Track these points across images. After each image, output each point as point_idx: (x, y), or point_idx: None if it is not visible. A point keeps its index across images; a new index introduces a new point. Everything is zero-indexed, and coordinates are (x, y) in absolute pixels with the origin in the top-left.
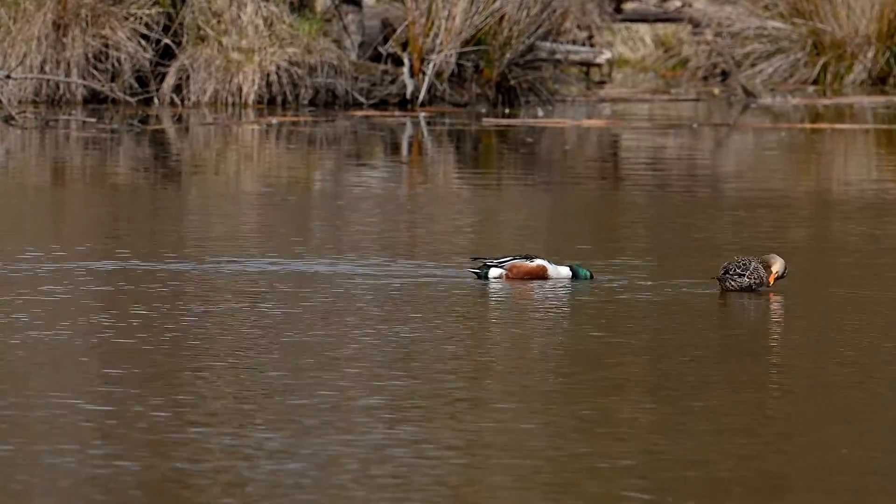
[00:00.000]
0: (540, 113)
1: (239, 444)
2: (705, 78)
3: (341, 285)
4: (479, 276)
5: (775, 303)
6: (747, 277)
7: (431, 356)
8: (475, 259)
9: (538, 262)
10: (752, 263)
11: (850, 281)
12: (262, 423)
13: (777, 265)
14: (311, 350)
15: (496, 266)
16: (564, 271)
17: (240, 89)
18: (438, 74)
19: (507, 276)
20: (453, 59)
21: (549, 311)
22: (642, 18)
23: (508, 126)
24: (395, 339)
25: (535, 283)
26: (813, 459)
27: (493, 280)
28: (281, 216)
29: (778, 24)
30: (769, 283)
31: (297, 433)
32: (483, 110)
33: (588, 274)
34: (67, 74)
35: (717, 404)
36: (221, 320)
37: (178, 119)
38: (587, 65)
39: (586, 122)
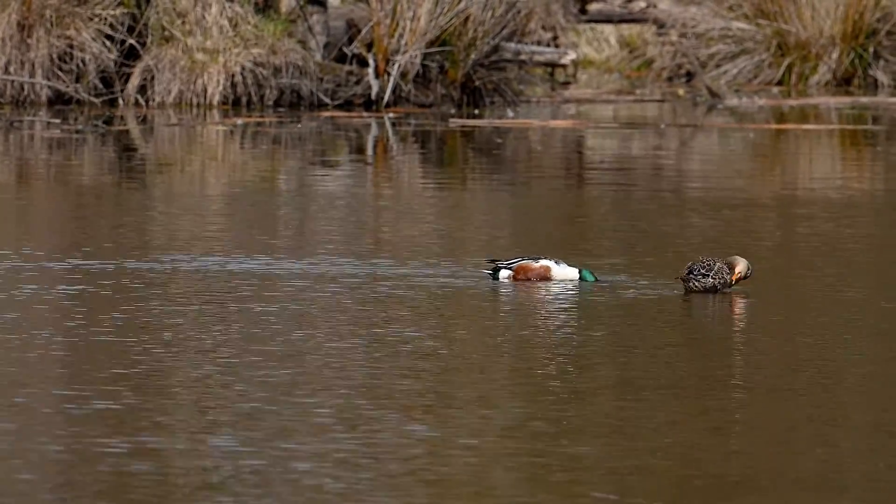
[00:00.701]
0: (510, 114)
1: (195, 449)
2: (670, 79)
3: (306, 284)
4: (492, 276)
5: (740, 303)
6: (711, 278)
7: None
8: (491, 261)
9: (543, 262)
10: (717, 264)
11: (814, 280)
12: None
13: (741, 266)
14: (278, 348)
15: (506, 267)
16: (571, 273)
17: (205, 90)
18: (403, 75)
19: (515, 277)
20: (418, 60)
21: (507, 311)
22: (607, 19)
23: (476, 127)
24: (359, 337)
25: (525, 285)
26: (777, 459)
27: (503, 281)
28: (246, 216)
29: (743, 25)
30: (731, 282)
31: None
32: (452, 111)
33: (592, 277)
34: (32, 75)
35: (682, 405)
36: (182, 318)
37: (143, 120)
38: (552, 65)
39: (553, 123)
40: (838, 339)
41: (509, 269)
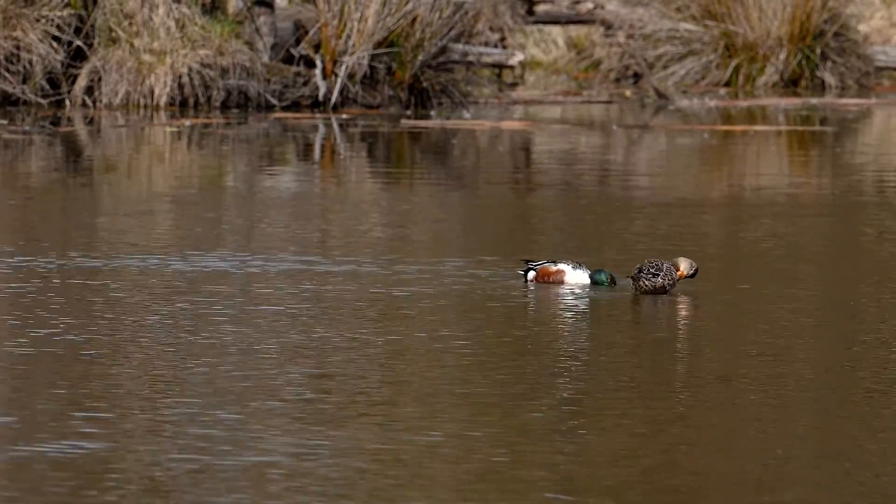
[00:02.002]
0: (467, 115)
1: (149, 460)
2: (617, 80)
3: (252, 284)
4: (524, 277)
5: (687, 303)
6: (661, 278)
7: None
8: (526, 262)
9: (559, 266)
10: (665, 264)
11: (761, 280)
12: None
13: (684, 265)
14: (222, 347)
15: (532, 269)
16: (584, 278)
17: (152, 91)
18: (351, 76)
19: (536, 279)
20: (366, 61)
21: (456, 312)
22: (554, 20)
23: (427, 128)
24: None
25: (543, 285)
26: (723, 461)
27: (529, 282)
28: (192, 216)
29: (690, 26)
30: (676, 282)
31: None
32: (408, 112)
33: (605, 281)
34: None
35: (630, 405)
36: (126, 318)
37: (90, 121)
38: (499, 67)
39: (505, 124)
40: (786, 340)
41: (534, 270)
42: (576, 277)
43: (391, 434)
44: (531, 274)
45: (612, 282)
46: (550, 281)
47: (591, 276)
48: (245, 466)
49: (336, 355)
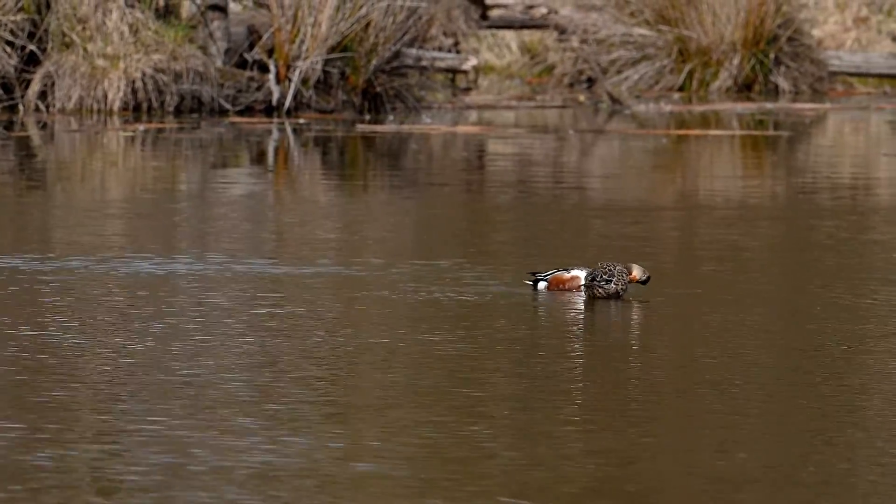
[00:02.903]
0: (427, 119)
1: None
2: (571, 85)
3: (204, 285)
4: (533, 287)
5: (641, 308)
6: (614, 283)
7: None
8: (532, 274)
9: (573, 273)
10: (617, 267)
11: (713, 285)
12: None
13: (636, 270)
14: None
15: (542, 279)
16: None
17: (105, 96)
18: (304, 81)
19: (549, 288)
20: (319, 66)
21: (406, 315)
22: (508, 25)
23: (383, 133)
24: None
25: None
26: (681, 466)
27: (541, 291)
28: (146, 220)
29: (644, 31)
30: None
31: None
32: (367, 117)
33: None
34: None
35: (587, 412)
36: (73, 318)
37: (44, 126)
38: (453, 71)
39: (461, 129)
40: (740, 344)
41: (545, 280)
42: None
43: (349, 438)
44: (542, 284)
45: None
46: (565, 289)
47: None
48: (204, 472)
49: (292, 358)
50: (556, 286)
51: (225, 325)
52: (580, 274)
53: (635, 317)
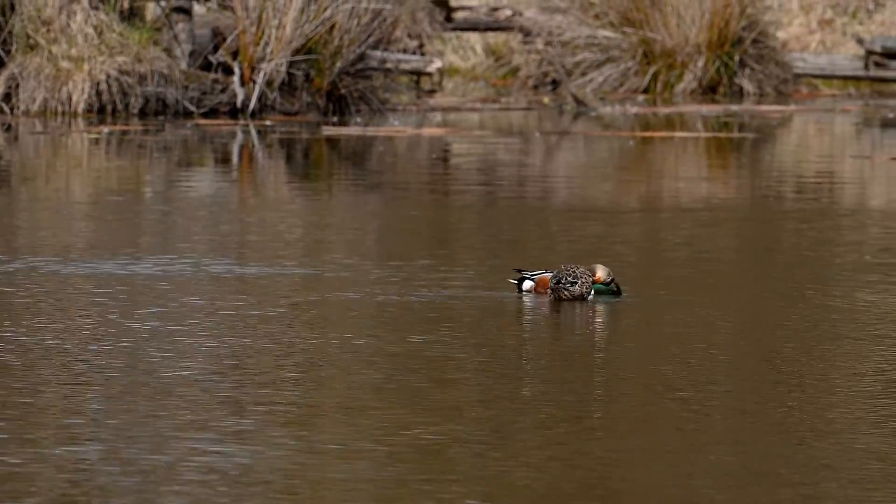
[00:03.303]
0: (395, 122)
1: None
2: (536, 87)
3: (169, 286)
4: (518, 286)
5: (605, 311)
6: (579, 286)
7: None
8: (519, 271)
9: None
10: (580, 270)
11: (678, 287)
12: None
13: (601, 272)
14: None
15: (529, 279)
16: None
17: (69, 98)
18: (269, 83)
19: (536, 289)
20: (284, 68)
21: (372, 316)
22: (473, 27)
23: (349, 135)
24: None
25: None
26: (644, 471)
27: (525, 292)
28: (111, 221)
29: (608, 33)
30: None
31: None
32: (335, 119)
33: (606, 288)
34: None
35: (550, 416)
36: (41, 320)
37: (8, 128)
38: (418, 73)
39: (427, 131)
40: (705, 348)
41: (532, 280)
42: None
43: (309, 443)
44: (528, 284)
45: (617, 288)
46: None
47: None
48: (175, 473)
49: (256, 359)
50: (543, 288)
51: (191, 325)
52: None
53: (600, 319)
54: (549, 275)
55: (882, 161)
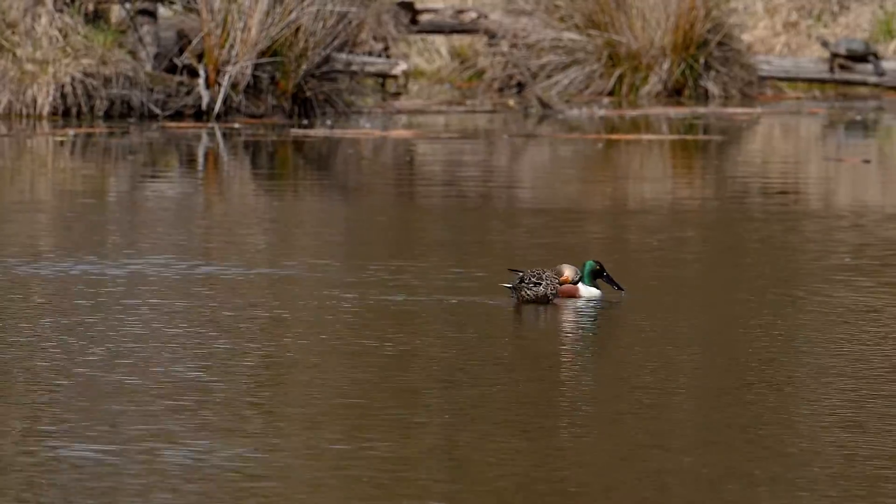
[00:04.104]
0: (367, 124)
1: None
2: (501, 89)
3: (134, 287)
4: (512, 290)
5: (570, 312)
6: (543, 287)
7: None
8: (513, 271)
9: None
10: (546, 273)
11: (644, 289)
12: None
13: (568, 271)
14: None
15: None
16: (595, 292)
17: (34, 101)
18: (234, 86)
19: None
20: (249, 71)
21: (341, 319)
22: (438, 30)
23: (316, 137)
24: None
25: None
26: (607, 471)
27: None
28: (77, 223)
29: (573, 35)
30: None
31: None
32: (305, 122)
33: (590, 282)
34: None
35: (515, 417)
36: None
37: None
38: (383, 76)
39: (394, 133)
40: (672, 351)
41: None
42: (590, 291)
43: (275, 442)
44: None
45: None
46: (563, 297)
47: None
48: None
49: (216, 360)
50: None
51: (157, 326)
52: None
53: (566, 321)
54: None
55: (854, 163)
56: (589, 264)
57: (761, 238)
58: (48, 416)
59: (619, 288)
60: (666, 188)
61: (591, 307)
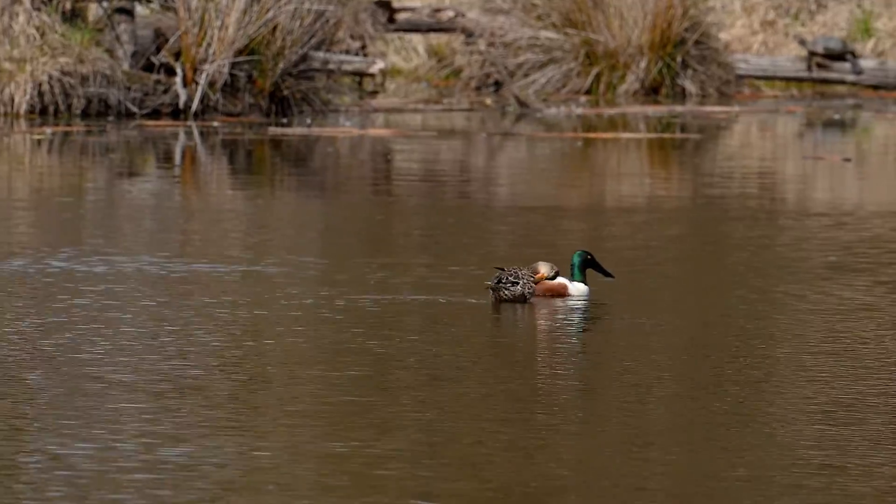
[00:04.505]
0: (347, 123)
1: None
2: (478, 88)
3: (107, 284)
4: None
5: (547, 311)
6: (521, 287)
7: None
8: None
9: (560, 280)
10: (523, 271)
11: (619, 288)
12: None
13: (544, 268)
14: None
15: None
16: (583, 288)
17: (12, 99)
18: (211, 84)
19: (534, 293)
20: (226, 69)
21: (317, 317)
22: (415, 28)
23: (296, 136)
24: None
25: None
26: (580, 471)
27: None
28: (53, 221)
29: (551, 34)
30: (536, 283)
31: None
32: (285, 121)
33: (580, 276)
34: None
35: (489, 416)
36: None
37: None
38: (360, 75)
39: (373, 132)
40: (647, 350)
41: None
42: (577, 288)
43: (252, 442)
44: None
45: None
46: (550, 294)
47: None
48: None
49: (188, 358)
50: (540, 292)
51: (131, 323)
52: (565, 281)
53: (543, 320)
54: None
55: (835, 162)
56: (578, 255)
57: (742, 237)
58: (25, 412)
59: (609, 275)
60: (650, 187)
61: (568, 305)
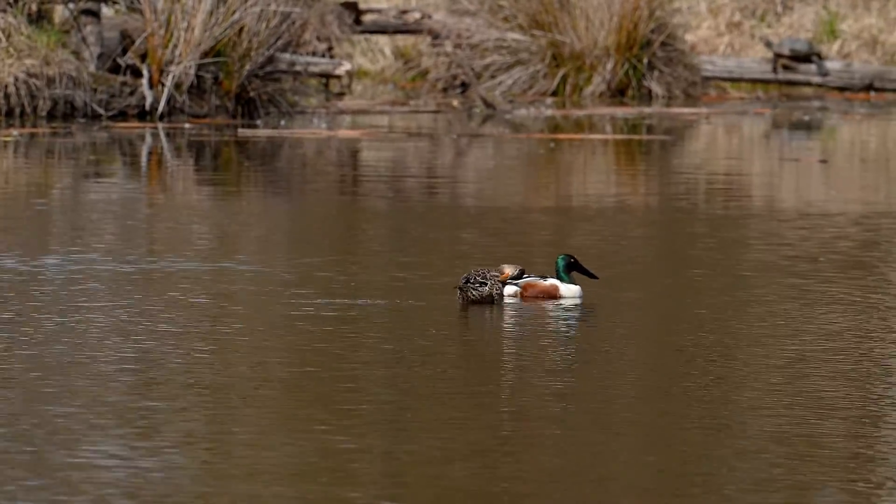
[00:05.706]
0: (322, 125)
1: None
2: (445, 90)
3: (77, 284)
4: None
5: (515, 311)
6: (489, 288)
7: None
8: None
9: (551, 281)
10: (490, 272)
11: (588, 287)
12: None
13: (508, 269)
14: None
15: (512, 283)
16: (576, 289)
17: None
18: (178, 86)
19: (523, 295)
20: (192, 71)
21: (278, 322)
22: (382, 30)
23: (264, 137)
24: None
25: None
26: (548, 470)
27: (508, 297)
28: (23, 221)
29: (517, 35)
30: (503, 281)
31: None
32: (257, 122)
33: (567, 277)
34: None
35: (457, 415)
36: None
37: None
38: (327, 76)
39: (342, 133)
40: (616, 350)
41: (516, 285)
42: (570, 290)
43: (222, 436)
44: (511, 289)
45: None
46: (541, 296)
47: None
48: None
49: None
50: (532, 294)
51: (94, 322)
52: (557, 282)
53: (510, 323)
54: (537, 279)
55: (811, 163)
56: (562, 259)
57: (715, 238)
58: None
59: (594, 276)
60: (612, 188)
61: (547, 307)
